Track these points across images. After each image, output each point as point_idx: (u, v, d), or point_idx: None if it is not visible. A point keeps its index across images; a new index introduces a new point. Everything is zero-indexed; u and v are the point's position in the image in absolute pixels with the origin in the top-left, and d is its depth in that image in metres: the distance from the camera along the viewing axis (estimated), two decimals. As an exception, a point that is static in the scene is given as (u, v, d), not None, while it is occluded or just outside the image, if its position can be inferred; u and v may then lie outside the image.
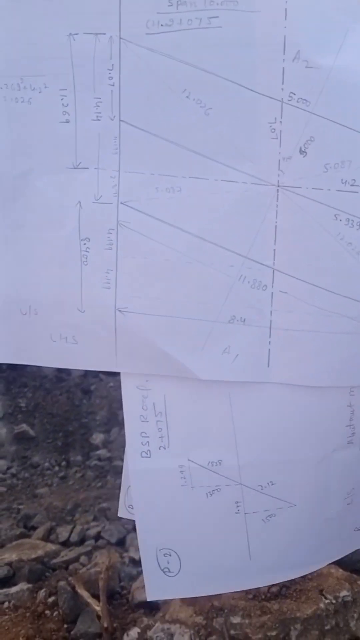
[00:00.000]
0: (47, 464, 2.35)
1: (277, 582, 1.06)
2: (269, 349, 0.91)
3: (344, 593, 1.07)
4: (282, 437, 0.95)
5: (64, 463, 2.37)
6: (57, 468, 2.34)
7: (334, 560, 1.09)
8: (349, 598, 1.07)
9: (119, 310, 0.93)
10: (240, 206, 0.88)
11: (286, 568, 1.04)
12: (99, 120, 0.89)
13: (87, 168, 0.91)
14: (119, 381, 0.96)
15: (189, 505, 0.97)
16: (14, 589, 1.47)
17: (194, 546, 0.99)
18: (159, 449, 0.96)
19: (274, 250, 0.89)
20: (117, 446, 2.31)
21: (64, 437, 2.54)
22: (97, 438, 2.46)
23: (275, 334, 0.91)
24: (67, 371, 2.87)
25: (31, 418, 2.63)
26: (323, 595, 1.07)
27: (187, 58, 0.85)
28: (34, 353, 0.98)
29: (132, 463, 0.96)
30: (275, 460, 0.96)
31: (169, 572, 0.99)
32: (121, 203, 0.91)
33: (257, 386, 0.93)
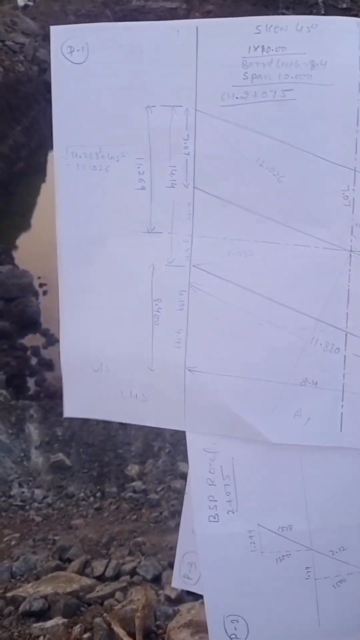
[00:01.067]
0: (82, 495, 2.39)
1: None
2: (342, 413, 0.91)
3: None
4: (354, 501, 0.93)
5: (99, 494, 2.40)
6: (92, 499, 2.38)
7: None
8: None
9: (189, 370, 0.94)
10: (313, 270, 0.89)
11: (355, 631, 1.01)
12: (173, 187, 0.92)
13: (161, 233, 0.94)
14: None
15: (258, 570, 0.95)
16: (49, 623, 1.46)
17: (262, 612, 0.96)
18: (227, 513, 0.95)
19: (347, 313, 0.89)
20: (151, 478, 2.29)
21: (99, 467, 2.56)
22: (133, 469, 2.48)
23: (348, 398, 0.90)
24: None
25: (67, 447, 2.64)
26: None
27: (261, 128, 0.88)
28: (105, 408, 1.00)
29: (200, 527, 0.96)
30: (347, 524, 0.94)
31: (236, 638, 0.97)
32: (193, 266, 0.93)
33: (328, 449, 0.92)
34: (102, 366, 0.99)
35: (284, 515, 0.94)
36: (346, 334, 0.89)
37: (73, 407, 1.03)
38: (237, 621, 0.97)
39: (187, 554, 1.00)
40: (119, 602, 1.59)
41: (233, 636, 0.97)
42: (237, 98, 0.88)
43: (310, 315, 0.90)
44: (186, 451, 0.97)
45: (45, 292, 6.88)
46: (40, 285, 6.98)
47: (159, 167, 0.92)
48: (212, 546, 0.95)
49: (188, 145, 0.91)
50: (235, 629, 0.97)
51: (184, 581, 1.01)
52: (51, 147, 0.96)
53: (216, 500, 0.95)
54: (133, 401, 0.98)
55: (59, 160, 0.96)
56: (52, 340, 5.99)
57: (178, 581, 1.01)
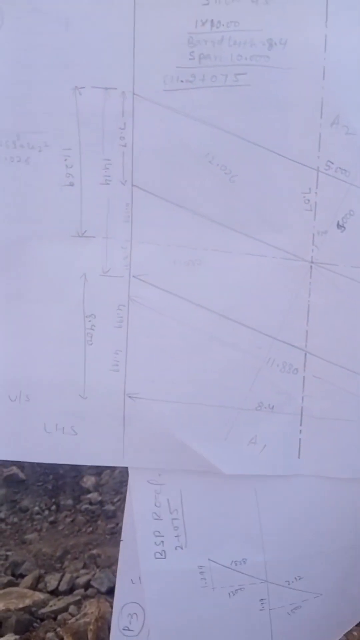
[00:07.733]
0: (36, 508, 2.29)
1: None
2: (300, 439, 0.82)
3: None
4: (312, 530, 0.86)
5: (53, 507, 2.30)
6: (46, 512, 2.28)
7: (353, 626, 1.01)
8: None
9: (129, 397, 0.82)
10: (269, 283, 0.79)
11: None
12: (108, 184, 0.78)
13: (94, 237, 0.80)
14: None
15: (209, 606, 0.87)
16: (0, 641, 1.49)
17: None
18: (175, 549, 0.85)
19: (307, 331, 0.80)
20: (108, 489, 2.26)
21: (54, 480, 2.45)
22: (88, 481, 2.36)
23: (307, 422, 0.82)
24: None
25: (21, 460, 2.54)
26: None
27: (211, 119, 0.76)
28: (23, 447, 0.85)
29: (145, 564, 0.85)
30: (304, 554, 0.87)
31: None
32: (133, 277, 0.80)
33: (285, 477, 0.84)
34: (21, 394, 0.84)
35: (238, 549, 0.86)
36: (305, 354, 0.81)
37: None
38: None
39: (126, 605, 0.89)
40: (73, 615, 1.55)
41: None
42: (182, 81, 0.75)
43: (266, 333, 0.80)
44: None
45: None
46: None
47: (91, 160, 0.78)
48: (158, 583, 0.85)
49: (125, 135, 0.77)
50: None
51: (124, 634, 0.90)
52: None
53: (163, 536, 0.85)
54: (59, 436, 0.84)
55: None
56: None
57: (117, 635, 0.90)
